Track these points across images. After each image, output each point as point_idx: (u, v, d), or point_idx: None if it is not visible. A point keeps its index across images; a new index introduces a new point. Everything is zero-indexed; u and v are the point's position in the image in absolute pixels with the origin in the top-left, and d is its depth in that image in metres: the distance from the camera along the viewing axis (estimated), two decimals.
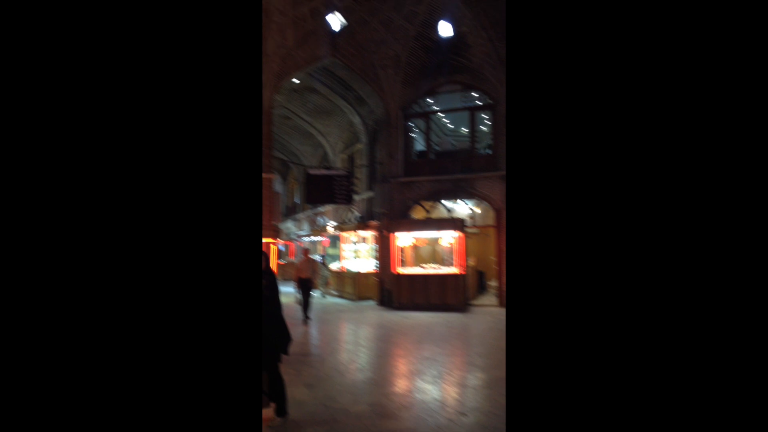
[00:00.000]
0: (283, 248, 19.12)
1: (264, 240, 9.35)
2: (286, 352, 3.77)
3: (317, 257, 14.16)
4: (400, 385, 4.96)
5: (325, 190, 11.18)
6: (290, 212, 21.16)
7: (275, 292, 3.75)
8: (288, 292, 11.68)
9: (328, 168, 14.46)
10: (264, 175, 9.62)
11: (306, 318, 8.63)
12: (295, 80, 11.23)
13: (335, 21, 9.34)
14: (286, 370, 5.46)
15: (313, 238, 17.09)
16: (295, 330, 7.99)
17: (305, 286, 8.82)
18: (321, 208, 16.69)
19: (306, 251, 9.72)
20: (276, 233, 10.44)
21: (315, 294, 9.52)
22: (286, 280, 14.98)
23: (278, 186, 20.28)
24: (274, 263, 9.80)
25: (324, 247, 16.12)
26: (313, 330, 8.15)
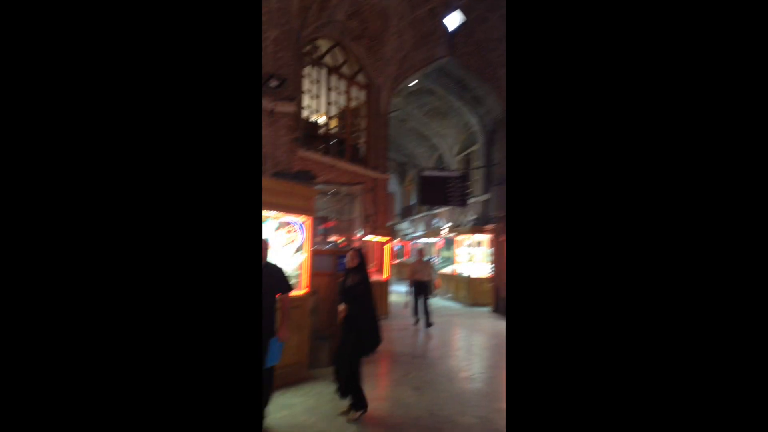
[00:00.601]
0: (397, 248, 19.54)
1: (377, 239, 9.60)
2: (372, 351, 3.76)
3: (431, 259, 14.10)
4: None
5: (438, 192, 11.06)
6: (406, 213, 21.54)
7: (368, 290, 3.76)
8: (399, 291, 11.90)
9: (442, 169, 14.34)
10: (379, 176, 9.88)
11: (417, 320, 8.58)
12: (412, 83, 11.34)
13: (453, 19, 9.18)
14: (393, 369, 5.54)
15: (428, 239, 17.12)
16: (405, 332, 8.07)
17: (420, 289, 8.60)
18: (436, 210, 16.65)
19: (420, 252, 9.64)
20: (390, 233, 10.63)
21: (433, 297, 9.34)
22: (401, 279, 15.24)
23: (394, 187, 20.80)
24: (387, 263, 9.95)
25: (438, 249, 16.04)
26: (424, 333, 8.10)
